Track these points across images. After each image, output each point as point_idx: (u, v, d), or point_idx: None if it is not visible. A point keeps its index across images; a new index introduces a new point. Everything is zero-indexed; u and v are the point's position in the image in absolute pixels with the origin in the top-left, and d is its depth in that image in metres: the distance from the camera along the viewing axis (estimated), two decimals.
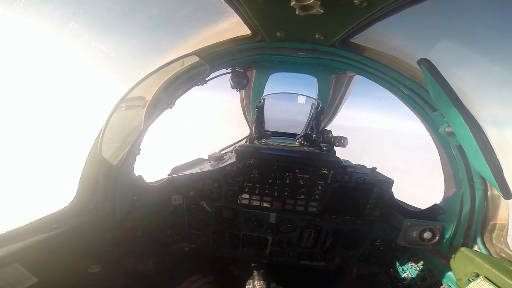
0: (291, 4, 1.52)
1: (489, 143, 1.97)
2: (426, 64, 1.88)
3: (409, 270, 2.95)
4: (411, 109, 2.53)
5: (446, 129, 2.21)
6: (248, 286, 2.13)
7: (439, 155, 2.60)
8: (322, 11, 1.51)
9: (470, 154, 2.13)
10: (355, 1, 1.47)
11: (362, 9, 1.54)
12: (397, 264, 3.14)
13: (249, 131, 4.47)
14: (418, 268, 2.85)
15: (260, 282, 2.16)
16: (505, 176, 1.93)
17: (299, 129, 4.07)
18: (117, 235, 2.60)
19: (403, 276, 3.01)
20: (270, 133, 3.89)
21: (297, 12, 1.58)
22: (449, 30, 1.96)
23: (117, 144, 2.50)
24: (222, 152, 3.78)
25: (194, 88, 2.71)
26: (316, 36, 2.13)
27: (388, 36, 2.09)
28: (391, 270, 3.22)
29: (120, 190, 2.55)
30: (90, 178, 2.37)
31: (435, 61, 1.91)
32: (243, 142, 4.21)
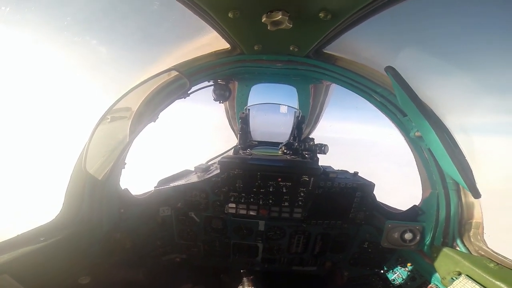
0: (263, 21, 1.61)
1: (457, 145, 2.07)
2: (391, 71, 1.98)
3: (399, 271, 2.99)
4: (385, 115, 2.64)
5: (416, 134, 2.30)
6: None
7: (414, 158, 2.70)
8: (291, 25, 1.61)
9: (438, 157, 2.23)
10: (320, 15, 1.57)
11: (327, 21, 1.64)
12: (387, 265, 3.19)
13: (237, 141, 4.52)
14: (407, 269, 2.90)
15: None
16: (474, 176, 2.03)
17: (284, 138, 4.15)
18: (106, 247, 2.61)
19: (393, 277, 3.05)
20: (256, 142, 3.95)
21: (269, 28, 1.68)
22: (414, 38, 2.08)
23: (101, 158, 2.52)
24: (209, 163, 3.81)
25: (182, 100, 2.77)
26: (291, 48, 2.23)
27: (358, 46, 2.21)
28: (382, 271, 3.27)
29: (106, 203, 2.58)
30: (76, 192, 2.39)
31: (402, 68, 2.01)
32: (230, 152, 4.26)
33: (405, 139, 2.64)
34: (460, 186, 2.36)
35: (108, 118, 2.45)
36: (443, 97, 2.18)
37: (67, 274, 2.21)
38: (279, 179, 2.75)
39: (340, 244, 3.39)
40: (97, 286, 2.40)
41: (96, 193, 2.48)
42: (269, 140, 4.01)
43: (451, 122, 2.14)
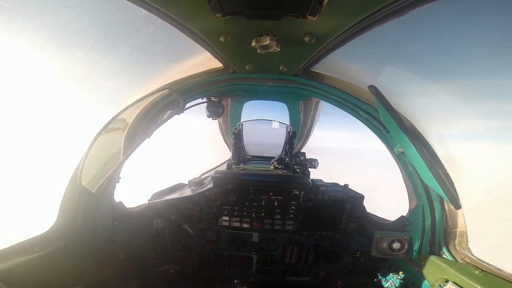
0: (252, 45, 1.73)
1: (437, 158, 2.18)
2: (373, 90, 2.09)
3: (392, 279, 3.02)
4: (371, 130, 2.75)
5: (399, 149, 2.42)
6: None
7: (400, 171, 2.80)
8: (279, 49, 1.73)
9: (419, 171, 2.34)
10: (305, 39, 1.70)
11: (312, 44, 1.77)
12: (380, 274, 3.22)
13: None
14: (399, 277, 2.93)
15: None
16: (455, 187, 2.12)
17: (276, 152, 4.25)
18: (100, 258, 2.62)
19: (386, 285, 3.07)
20: (250, 157, 4.02)
21: (258, 51, 1.79)
22: (394, 56, 2.22)
23: (97, 172, 2.57)
24: (203, 176, 3.85)
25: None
26: (280, 68, 2.36)
27: (343, 65, 2.35)
28: (375, 280, 3.29)
29: (100, 216, 2.62)
30: (71, 204, 2.43)
31: (384, 85, 2.13)
32: (224, 166, 4.33)
33: (391, 153, 2.73)
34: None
35: (105, 134, 2.51)
36: (423, 111, 2.31)
37: (62, 284, 2.20)
38: (271, 193, 2.82)
39: (333, 254, 3.43)
40: None
41: (90, 206, 2.52)
42: (262, 155, 4.10)
43: (431, 135, 2.25)
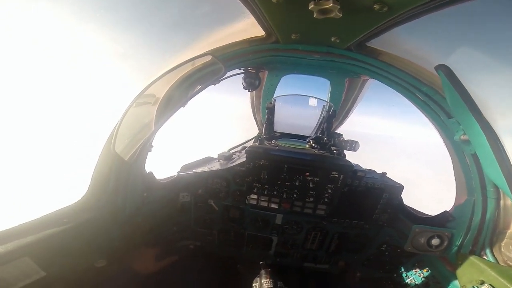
0: (310, 8, 1.51)
1: (505, 152, 1.93)
2: (444, 70, 1.84)
3: (413, 276, 2.91)
4: (425, 115, 2.49)
5: (462, 137, 2.17)
6: (255, 284, 2.11)
7: (452, 163, 2.56)
8: (341, 15, 1.50)
9: (485, 163, 2.10)
10: (375, 6, 1.45)
11: (382, 14, 1.52)
12: (402, 269, 3.11)
13: (258, 132, 4.47)
14: (422, 274, 2.82)
15: (268, 280, 2.13)
16: None
17: (307, 131, 4.05)
18: (125, 231, 2.63)
19: (406, 281, 2.97)
20: (279, 134, 3.88)
21: (314, 16, 1.57)
22: (469, 36, 1.91)
23: (130, 140, 2.54)
24: (231, 151, 3.79)
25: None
26: (332, 39, 2.11)
27: (406, 41, 2.06)
28: (395, 275, 3.19)
29: (131, 186, 2.59)
30: (103, 173, 2.40)
31: (454, 67, 1.88)
32: (251, 142, 4.22)
33: (444, 141, 2.49)
34: (501, 194, 2.23)
35: (140, 102, 2.46)
36: (496, 101, 2.02)
37: (85, 258, 2.24)
38: (307, 174, 2.68)
39: (357, 245, 3.33)
40: (111, 270, 2.44)
41: (122, 175, 2.49)
42: (292, 133, 3.93)
43: (502, 127, 1.98)
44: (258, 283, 2.09)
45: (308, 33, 2.14)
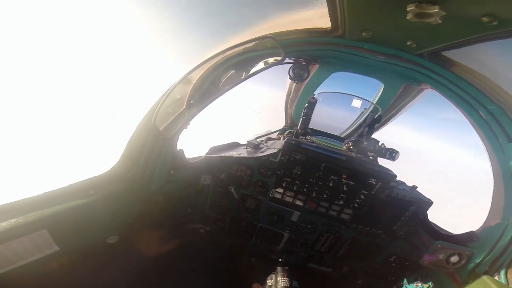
0: (408, 9, 1.38)
1: None
2: None
3: None
4: (480, 134, 2.35)
5: None
6: (269, 280, 2.07)
7: (494, 185, 2.44)
8: (440, 21, 1.37)
9: None
10: (484, 19, 1.31)
11: (487, 27, 1.37)
12: (404, 282, 3.06)
13: (284, 124, 4.36)
14: None
15: (284, 278, 2.09)
16: None
17: (339, 132, 3.92)
18: (145, 208, 2.59)
19: None
20: (310, 130, 3.77)
21: (408, 17, 1.44)
22: None
23: (172, 115, 2.49)
24: (258, 139, 3.71)
25: None
26: (408, 43, 1.97)
27: (490, 56, 1.89)
28: (394, 287, 3.18)
29: (161, 162, 2.55)
30: (137, 144, 2.37)
31: None
32: (275, 134, 4.19)
33: (492, 164, 2.36)
34: None
35: (189, 78, 2.39)
36: None
37: (98, 233, 2.21)
38: (344, 176, 2.60)
39: (367, 253, 3.29)
40: (122, 246, 2.42)
41: (155, 149, 2.44)
42: (326, 131, 3.81)
43: None
44: (273, 280, 2.06)
45: (382, 33, 2.00)
